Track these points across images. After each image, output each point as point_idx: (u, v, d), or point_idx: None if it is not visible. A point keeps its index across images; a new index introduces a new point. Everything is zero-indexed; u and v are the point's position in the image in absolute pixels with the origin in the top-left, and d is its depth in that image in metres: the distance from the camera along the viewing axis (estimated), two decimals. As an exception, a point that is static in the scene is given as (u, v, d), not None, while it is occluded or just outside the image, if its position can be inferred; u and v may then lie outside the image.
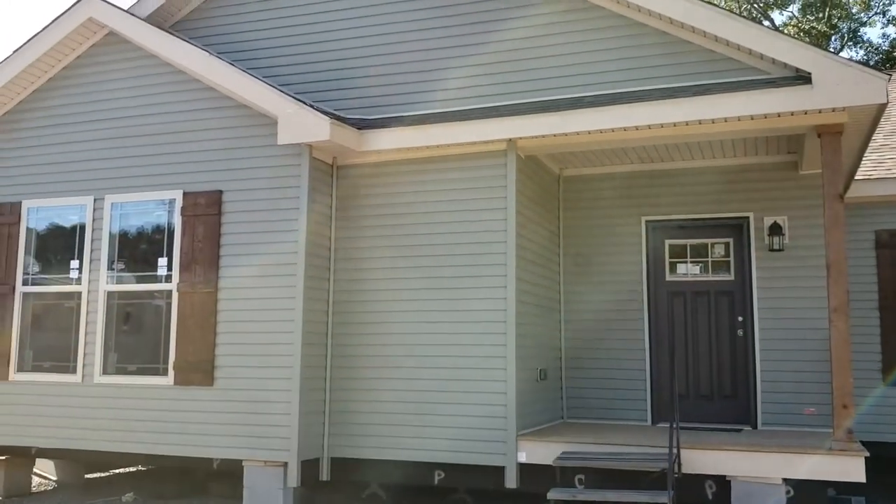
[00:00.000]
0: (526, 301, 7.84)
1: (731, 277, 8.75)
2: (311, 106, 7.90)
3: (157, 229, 8.40)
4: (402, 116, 8.17)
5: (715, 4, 10.21)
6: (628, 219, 9.10)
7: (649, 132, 7.33)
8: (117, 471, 10.92)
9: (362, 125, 8.06)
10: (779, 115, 6.88)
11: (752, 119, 6.96)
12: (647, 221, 9.04)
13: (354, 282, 8.08)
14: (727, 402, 8.57)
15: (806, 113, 6.77)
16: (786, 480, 6.40)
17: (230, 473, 7.80)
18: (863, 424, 8.41)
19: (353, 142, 7.91)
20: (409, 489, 8.48)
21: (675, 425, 6.46)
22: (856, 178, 9.25)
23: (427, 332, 7.74)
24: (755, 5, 26.98)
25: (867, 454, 6.28)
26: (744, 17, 7.75)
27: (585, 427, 8.32)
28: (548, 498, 6.52)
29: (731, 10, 21.29)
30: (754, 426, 8.34)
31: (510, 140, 7.62)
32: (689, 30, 7.36)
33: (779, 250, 8.48)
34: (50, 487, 10.16)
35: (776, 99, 6.74)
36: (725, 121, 7.00)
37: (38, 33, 8.88)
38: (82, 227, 8.66)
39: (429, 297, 7.78)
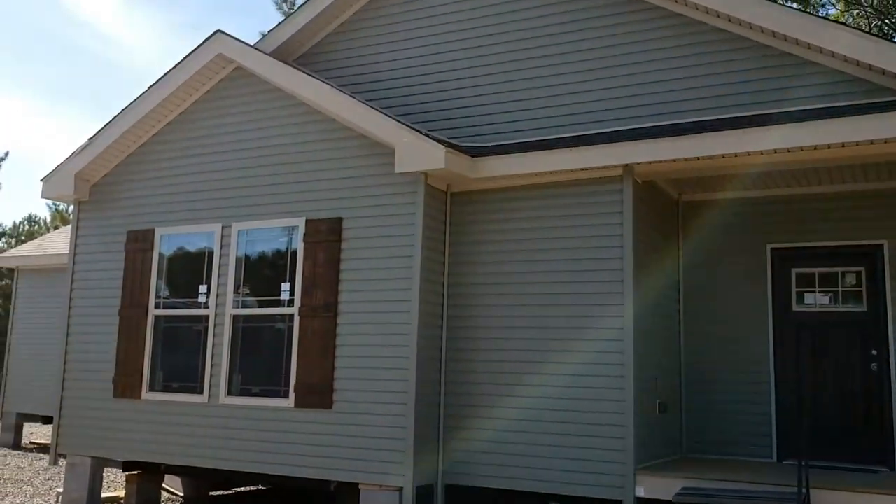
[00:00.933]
0: (644, 330, 7.66)
1: (864, 308, 8.28)
2: (427, 135, 8.04)
3: (281, 255, 8.70)
4: (515, 143, 8.20)
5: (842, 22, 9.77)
6: (752, 246, 8.77)
7: (776, 156, 7.06)
8: (240, 489, 11.32)
9: (476, 152, 8.13)
10: (907, 139, 6.50)
11: (885, 143, 6.60)
12: (772, 249, 8.69)
13: (468, 307, 8.11)
14: (861, 441, 8.07)
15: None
16: (930, 528, 5.97)
17: (347, 496, 7.92)
18: None
19: (467, 169, 7.99)
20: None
21: (804, 462, 6.13)
22: None
23: (542, 361, 7.67)
24: (886, 21, 25.69)
25: None
26: (879, 37, 7.41)
27: (707, 462, 8.02)
28: (669, 535, 6.31)
29: (858, 27, 20.34)
30: (891, 467, 7.81)
31: (627, 165, 7.51)
32: (817, 50, 7.08)
33: (917, 280, 7.98)
34: (178, 502, 10.61)
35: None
36: (857, 144, 6.67)
37: (170, 70, 9.43)
38: (210, 253, 9.08)
39: (544, 325, 7.72)
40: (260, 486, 11.29)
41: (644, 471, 7.14)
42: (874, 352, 8.12)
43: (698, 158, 7.23)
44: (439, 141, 7.92)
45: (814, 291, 8.54)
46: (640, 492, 7.01)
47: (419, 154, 7.81)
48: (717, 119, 7.43)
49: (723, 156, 7.12)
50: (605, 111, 8.15)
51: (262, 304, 8.71)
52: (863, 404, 8.14)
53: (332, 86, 8.62)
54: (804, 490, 6.08)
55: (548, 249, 7.85)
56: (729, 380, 8.63)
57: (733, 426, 8.51)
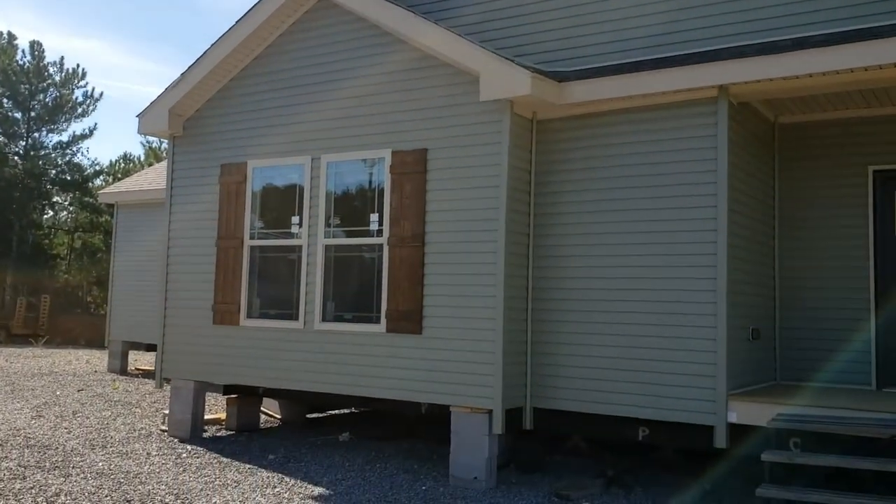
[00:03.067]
0: (738, 257, 7.50)
1: (975, 231, 7.89)
2: (512, 60, 7.92)
3: (369, 187, 8.82)
4: (604, 66, 8.01)
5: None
6: (853, 168, 8.40)
7: (881, 73, 6.69)
8: (334, 412, 11.78)
9: (562, 77, 7.98)
10: None
11: None
12: (874, 171, 8.31)
13: (555, 236, 8.09)
14: (967, 368, 7.80)
15: None
16: None
17: (437, 418, 8.16)
18: None
19: (553, 95, 7.86)
20: (611, 444, 8.50)
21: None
22: None
23: (633, 289, 7.62)
24: None
25: None
26: None
27: (801, 389, 7.89)
28: (762, 460, 6.28)
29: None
30: None
31: (722, 86, 7.25)
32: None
33: None
34: (275, 424, 11.15)
35: None
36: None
37: (256, 3, 9.51)
38: (301, 185, 9.28)
39: (634, 253, 7.65)
40: (353, 409, 11.72)
41: (737, 397, 7.09)
42: (984, 277, 7.76)
43: (797, 77, 6.93)
44: (524, 66, 7.80)
45: (919, 214, 8.17)
46: (733, 417, 6.98)
47: (504, 80, 7.72)
48: (817, 35, 7.06)
49: (823, 73, 6.80)
50: (698, 30, 7.89)
51: (351, 235, 8.89)
52: (970, 331, 7.83)
53: (416, 14, 8.54)
54: (905, 416, 5.95)
55: (638, 176, 7.72)
56: (826, 306, 8.40)
57: (830, 353, 8.31)
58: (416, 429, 10.00)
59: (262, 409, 11.03)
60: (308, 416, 11.43)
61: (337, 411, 11.79)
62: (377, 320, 8.54)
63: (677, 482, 7.79)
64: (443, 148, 8.28)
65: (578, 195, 8.02)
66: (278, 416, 11.31)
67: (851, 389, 7.96)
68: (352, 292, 8.87)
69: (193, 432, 9.91)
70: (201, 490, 7.42)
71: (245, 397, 10.39)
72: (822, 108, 8.45)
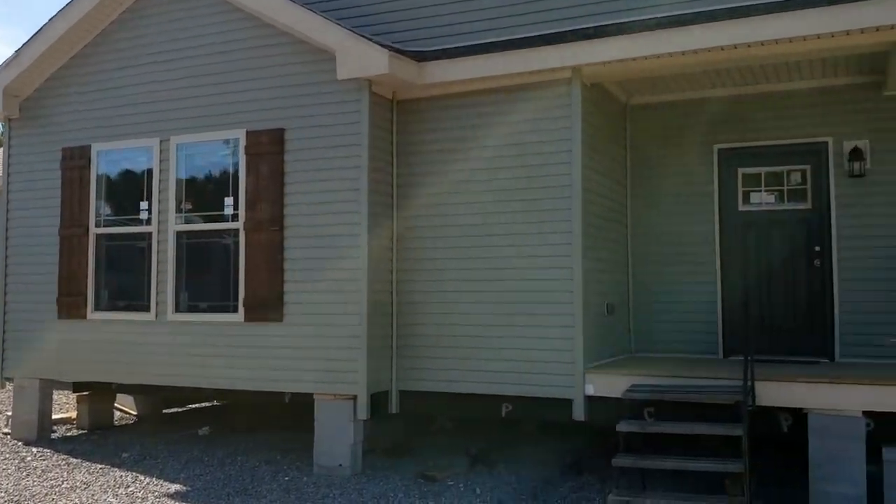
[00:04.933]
0: (592, 234, 7.68)
1: (808, 206, 8.39)
2: (370, 38, 7.77)
3: (223, 169, 8.45)
4: (462, 46, 7.97)
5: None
6: (699, 147, 8.78)
7: (723, 54, 6.98)
8: (194, 406, 11.32)
9: (421, 57, 7.90)
10: (861, 32, 6.46)
11: (832, 37, 6.56)
12: (719, 149, 8.71)
13: (418, 217, 8.02)
14: (803, 334, 8.31)
15: (893, 28, 6.34)
16: (866, 413, 6.20)
17: (303, 407, 7.96)
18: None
19: (413, 74, 7.77)
20: (476, 421, 8.56)
21: (749, 357, 6.28)
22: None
23: (492, 268, 7.67)
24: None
25: (954, 385, 6.02)
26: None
27: (654, 360, 8.20)
28: (617, 430, 6.46)
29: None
30: (831, 358, 8.09)
31: (575, 67, 7.37)
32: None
33: (859, 176, 8.08)
34: (130, 421, 10.60)
35: (862, 14, 6.30)
36: (804, 39, 6.61)
37: (98, -25, 8.90)
38: (150, 169, 8.78)
39: (493, 232, 7.69)
40: (215, 402, 11.31)
41: (594, 370, 7.27)
42: (817, 248, 8.28)
43: (645, 58, 7.13)
44: (383, 45, 7.66)
45: (760, 190, 8.62)
46: (591, 390, 7.16)
47: (361, 59, 7.56)
48: (664, 17, 7.27)
49: (670, 55, 7.03)
50: (555, 10, 7.96)
51: (206, 220, 8.50)
52: (806, 299, 8.35)
53: (267, -12, 8.22)
54: (749, 382, 6.25)
55: (497, 157, 7.74)
56: (676, 280, 8.76)
57: (681, 325, 8.69)
58: (281, 419, 9.75)
59: (116, 405, 10.46)
60: (166, 410, 10.93)
61: (198, 405, 11.34)
62: (235, 309, 8.22)
63: (540, 456, 7.93)
64: (301, 128, 8.04)
65: (441, 176, 7.97)
66: (134, 413, 10.76)
67: (701, 359, 8.34)
68: (207, 281, 8.49)
69: (40, 433, 9.28)
70: (46, 495, 6.94)
71: (97, 394, 9.80)
72: (671, 90, 8.77)
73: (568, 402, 7.24)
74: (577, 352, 7.22)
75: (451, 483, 7.18)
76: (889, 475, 6.25)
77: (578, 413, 7.18)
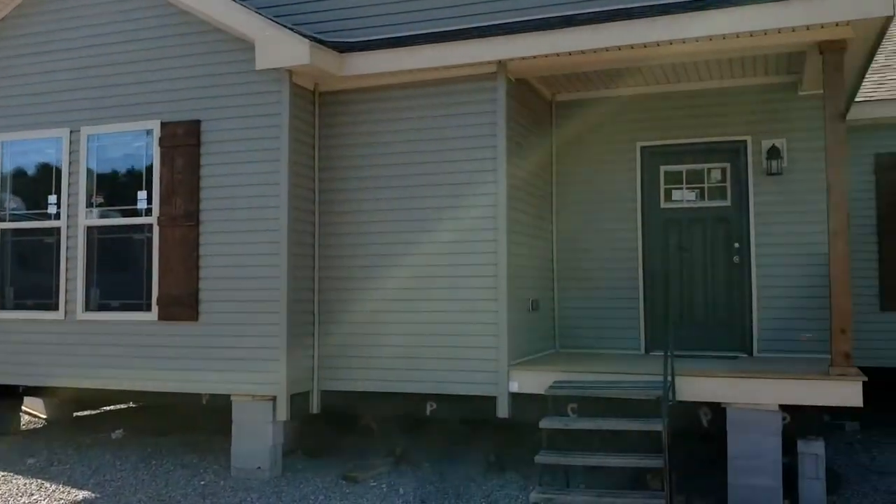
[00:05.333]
0: (517, 231, 7.63)
1: (728, 203, 8.53)
2: (290, 28, 7.55)
3: (136, 162, 8.11)
4: (385, 38, 7.82)
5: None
6: (623, 144, 8.83)
7: (645, 51, 7.01)
8: (109, 408, 10.87)
9: (344, 48, 7.71)
10: (779, 32, 6.56)
11: (751, 36, 6.64)
12: (641, 147, 8.77)
13: (341, 213, 7.84)
14: (722, 330, 8.45)
15: (808, 28, 6.45)
16: (782, 407, 6.30)
17: (221, 409, 7.70)
18: (858, 350, 8.32)
19: (335, 66, 7.58)
20: (401, 421, 8.42)
21: (669, 353, 6.32)
22: (856, 100, 8.98)
23: (417, 265, 7.54)
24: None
25: (865, 379, 6.16)
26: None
27: (578, 356, 8.21)
28: (540, 427, 6.41)
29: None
30: (750, 353, 8.23)
31: (500, 62, 7.30)
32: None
33: (777, 174, 8.25)
34: (39, 425, 10.10)
35: (778, 13, 6.39)
36: (724, 38, 6.67)
37: (1, -44, 8.44)
38: (59, 161, 8.37)
39: (418, 228, 7.57)
40: (131, 404, 10.88)
41: (518, 367, 7.21)
42: (737, 245, 8.42)
43: (570, 54, 7.10)
44: (303, 35, 7.45)
45: (681, 188, 8.72)
46: (514, 387, 7.10)
47: (282, 49, 7.33)
48: (584, 13, 7.25)
49: (594, 51, 7.02)
50: (480, 3, 7.87)
51: (118, 215, 8.15)
52: (725, 296, 8.48)
53: (183, -26, 7.92)
54: (669, 377, 6.28)
55: (421, 151, 7.62)
56: (600, 277, 8.79)
57: (604, 321, 8.73)
58: (199, 421, 9.41)
59: (24, 408, 9.95)
60: (78, 413, 10.46)
61: (112, 407, 10.90)
62: (148, 308, 7.89)
63: (464, 454, 7.84)
64: (218, 119, 7.76)
65: (364, 171, 7.81)
66: (44, 416, 10.26)
67: (623, 355, 8.39)
68: (119, 278, 8.13)
69: (-62, 441, 8.76)
70: (-61, 507, 6.52)
71: (2, 397, 9.30)
72: (595, 87, 8.79)
73: (492, 400, 7.17)
74: (501, 349, 7.16)
75: (374, 484, 7.03)
76: (804, 467, 6.38)
77: (503, 410, 7.12)
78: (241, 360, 7.48)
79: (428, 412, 7.51)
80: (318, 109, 7.97)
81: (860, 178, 9.30)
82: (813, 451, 6.37)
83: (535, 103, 8.50)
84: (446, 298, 7.41)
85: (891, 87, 9.61)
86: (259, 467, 7.28)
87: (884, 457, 8.27)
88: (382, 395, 7.60)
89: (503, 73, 7.35)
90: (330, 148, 7.92)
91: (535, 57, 7.18)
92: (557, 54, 7.11)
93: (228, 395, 7.54)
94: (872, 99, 9.31)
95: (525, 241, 7.93)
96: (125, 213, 8.09)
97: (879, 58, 10.56)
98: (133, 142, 8.13)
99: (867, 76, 9.61)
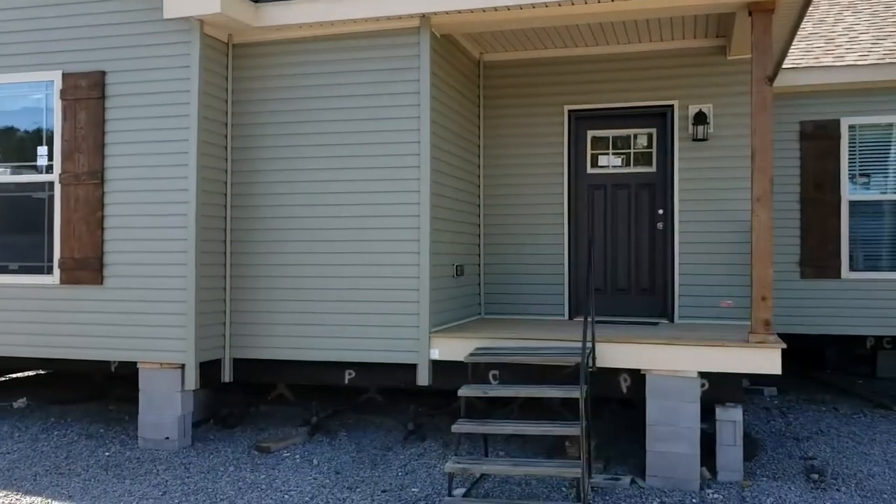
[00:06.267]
0: (441, 194, 7.39)
1: (654, 169, 8.44)
2: (202, -25, 7.09)
3: (36, 115, 7.58)
4: (306, -10, 7.42)
5: None
6: (551, 108, 8.64)
7: (572, 9, 6.78)
8: (14, 376, 10.34)
9: (260, -1, 7.31)
10: (709, -7, 6.43)
11: (680, -5, 6.50)
12: (569, 110, 8.59)
13: (256, 172, 7.48)
14: (645, 296, 8.42)
15: (737, -11, 6.33)
16: (702, 374, 6.26)
17: (131, 376, 7.33)
18: (778, 317, 8.41)
19: (249, 16, 7.16)
20: (318, 390, 8.20)
21: (589, 318, 6.20)
22: (783, 67, 8.96)
23: (335, 228, 7.25)
24: None
25: (784, 346, 6.15)
26: None
27: (502, 322, 8.07)
28: (458, 395, 6.24)
29: None
30: (671, 319, 8.22)
31: (424, 15, 6.99)
32: None
33: (703, 140, 8.18)
34: (-64, 395, 9.53)
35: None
36: (652, -3, 6.51)
37: None
38: (-51, 113, 7.78)
39: (337, 190, 7.26)
40: (40, 371, 10.37)
41: (440, 333, 7.02)
42: (661, 211, 8.36)
43: (496, 9, 6.84)
44: (215, -18, 7.00)
45: (608, 153, 8.60)
46: (435, 354, 6.91)
47: (191, -4, 6.88)
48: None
49: (520, 7, 6.76)
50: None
51: (15, 172, 7.62)
52: (648, 262, 8.43)
53: (85, -87, 7.36)
54: (588, 344, 6.17)
55: (341, 109, 7.29)
56: (526, 242, 8.65)
57: (529, 287, 8.60)
58: (108, 389, 9.01)
59: (-81, 378, 9.38)
60: (-20, 382, 9.93)
61: (17, 375, 10.37)
62: (49, 270, 7.43)
63: (383, 423, 7.67)
64: (125, 71, 7.29)
65: (279, 128, 7.44)
66: (-59, 386, 9.69)
67: (547, 321, 8.29)
68: (18, 239, 7.63)
69: None
70: None
71: None
72: (524, 47, 8.56)
73: (413, 367, 6.97)
74: (423, 315, 6.95)
75: (287, 454, 6.79)
76: (721, 434, 6.38)
77: (423, 378, 6.93)
78: (147, 327, 7.11)
79: (346, 381, 7.28)
80: (231, 62, 7.55)
81: (785, 145, 9.32)
82: (731, 418, 6.36)
83: (461, 62, 8.23)
84: (366, 263, 7.15)
85: (816, 55, 9.64)
86: (167, 437, 6.97)
87: (799, 422, 8.40)
88: (299, 363, 7.33)
89: (427, 28, 7.05)
90: (243, 104, 7.52)
91: (459, 12, 6.90)
92: (483, 9, 6.83)
93: (135, 363, 7.18)
94: (799, 66, 9.32)
95: (450, 204, 7.71)
96: (23, 170, 7.57)
97: (807, 25, 10.60)
98: (32, 93, 7.58)
99: (794, 44, 9.64)
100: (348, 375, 7.30)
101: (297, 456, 6.73)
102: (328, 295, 7.22)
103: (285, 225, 7.38)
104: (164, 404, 7.02)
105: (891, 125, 9.27)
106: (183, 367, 6.98)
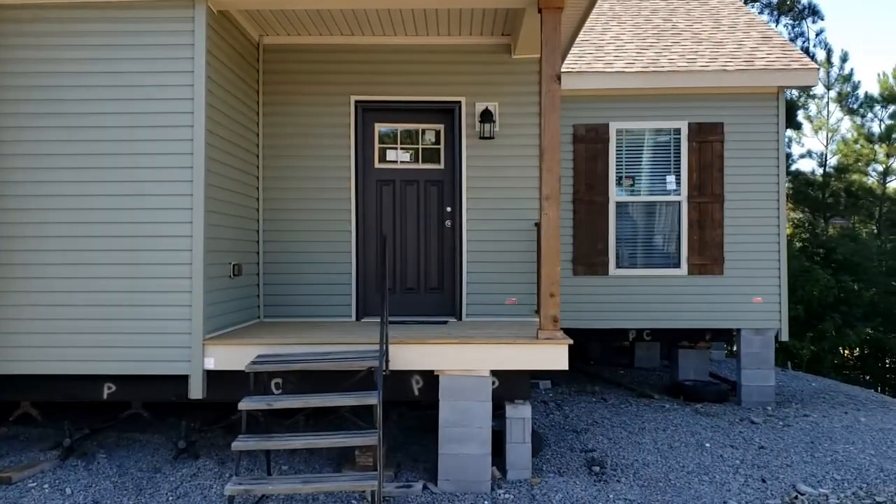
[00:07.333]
0: (217, 185, 6.72)
1: (442, 166, 8.31)
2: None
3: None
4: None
5: None
6: (336, 97, 8.21)
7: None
8: None
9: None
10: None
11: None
12: (356, 101, 8.22)
13: (11, 157, 6.36)
14: (434, 295, 8.26)
15: (525, -14, 6.30)
16: (493, 372, 6.17)
17: None
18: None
19: (-15, -29, 6.07)
20: (73, 407, 7.18)
21: (385, 319, 5.87)
22: (561, 70, 9.21)
23: (96, 222, 6.33)
24: None
25: (571, 342, 6.21)
26: None
27: (285, 326, 7.52)
28: (239, 408, 5.65)
29: None
30: (460, 318, 8.12)
31: (196, -12, 6.31)
32: None
33: (490, 138, 8.16)
34: None
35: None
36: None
37: None
38: None
39: (97, 179, 6.33)
40: None
41: (214, 340, 6.35)
42: (449, 209, 8.24)
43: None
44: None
45: (396, 148, 8.34)
46: (210, 364, 6.24)
47: None
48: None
49: (307, -14, 6.30)
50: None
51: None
52: (437, 260, 8.28)
53: None
54: (385, 346, 5.84)
55: (101, 87, 6.39)
56: (310, 240, 8.15)
57: (314, 287, 8.11)
58: None
59: None
60: None
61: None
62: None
63: (150, 442, 6.86)
64: None
65: (32, 105, 6.39)
66: None
67: (335, 322, 7.87)
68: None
69: None
70: None
71: None
72: (308, 31, 8.06)
73: (184, 379, 6.25)
74: (195, 321, 6.24)
75: (34, 484, 5.83)
76: (511, 432, 6.34)
77: (196, 391, 6.22)
78: None
79: (105, 396, 6.39)
80: (-37, 25, 6.38)
81: (560, 147, 9.57)
82: (520, 416, 6.35)
83: (240, 44, 7.57)
84: (132, 262, 6.30)
85: (588, 60, 10.03)
86: None
87: (574, 413, 8.68)
88: (47, 377, 6.32)
89: (203, 1, 6.37)
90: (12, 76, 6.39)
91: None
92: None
93: None
94: (573, 71, 9.63)
95: (226, 197, 7.03)
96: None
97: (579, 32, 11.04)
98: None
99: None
100: (107, 390, 6.42)
101: (46, 485, 5.79)
102: (87, 299, 6.28)
103: (33, 218, 6.34)
104: None
105: (645, 131, 9.84)
106: None
